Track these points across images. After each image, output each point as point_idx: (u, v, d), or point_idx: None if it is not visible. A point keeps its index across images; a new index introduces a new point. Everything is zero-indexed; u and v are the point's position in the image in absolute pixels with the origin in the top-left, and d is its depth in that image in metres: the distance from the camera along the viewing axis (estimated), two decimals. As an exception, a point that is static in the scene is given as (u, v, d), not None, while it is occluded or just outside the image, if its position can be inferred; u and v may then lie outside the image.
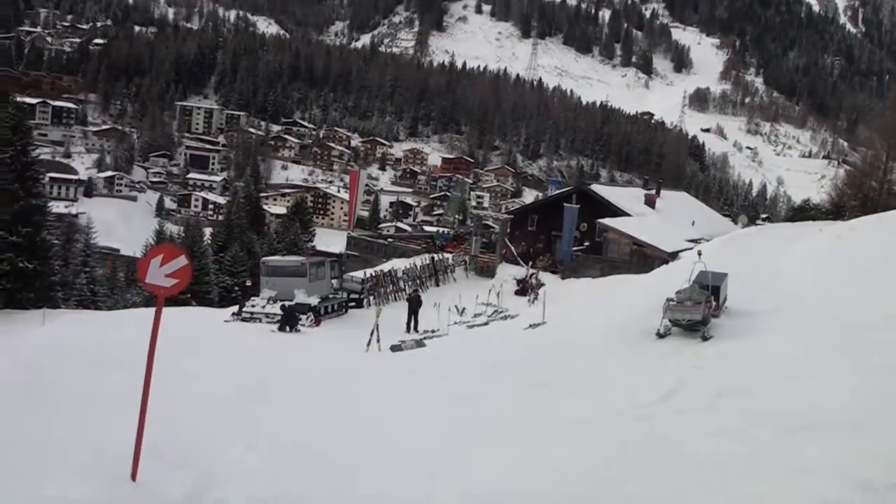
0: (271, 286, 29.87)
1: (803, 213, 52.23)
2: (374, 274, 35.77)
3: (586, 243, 43.18)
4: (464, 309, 31.54)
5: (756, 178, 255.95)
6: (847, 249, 24.09)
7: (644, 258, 36.28)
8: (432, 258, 39.23)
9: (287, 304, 27.44)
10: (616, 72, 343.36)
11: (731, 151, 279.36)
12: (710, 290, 17.73)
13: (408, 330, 28.57)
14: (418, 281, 36.75)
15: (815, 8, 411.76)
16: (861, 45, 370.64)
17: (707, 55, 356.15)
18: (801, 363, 12.44)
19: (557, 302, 30.04)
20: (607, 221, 40.35)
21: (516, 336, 23.59)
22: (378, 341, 23.17)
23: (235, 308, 30.43)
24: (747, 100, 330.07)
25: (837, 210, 47.95)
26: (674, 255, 34.07)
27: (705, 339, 16.23)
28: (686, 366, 14.30)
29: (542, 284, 35.45)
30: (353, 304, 33.03)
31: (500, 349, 21.13)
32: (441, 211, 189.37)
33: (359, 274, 36.18)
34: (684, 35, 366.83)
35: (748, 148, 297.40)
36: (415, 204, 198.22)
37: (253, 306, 28.98)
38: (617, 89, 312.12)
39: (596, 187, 49.88)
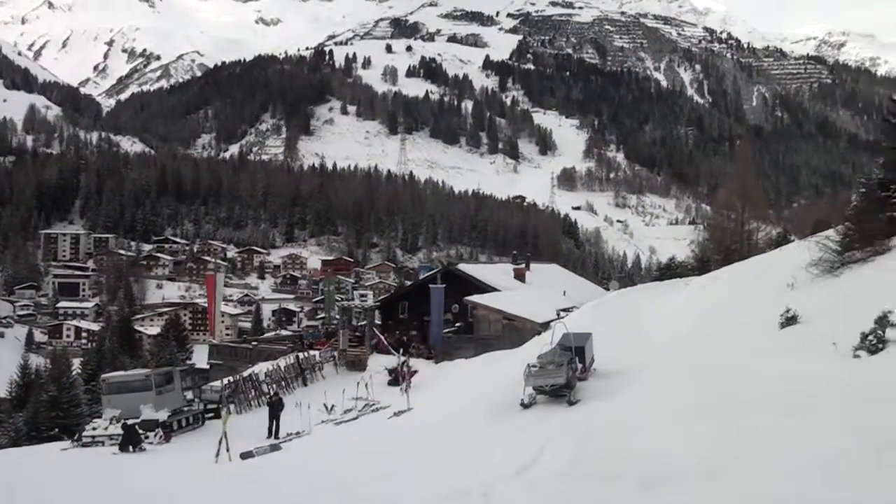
0: (114, 405, 27.30)
1: (670, 270, 52.71)
2: (232, 380, 33.35)
3: (459, 324, 41.98)
4: (332, 406, 29.59)
5: (629, 249, 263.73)
6: (711, 297, 24.19)
7: (516, 331, 35.39)
8: (297, 357, 37.08)
9: (128, 422, 24.94)
10: (484, 159, 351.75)
11: (602, 226, 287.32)
12: (573, 351, 16.82)
13: (269, 435, 26.34)
14: (283, 383, 34.48)
15: (664, 83, 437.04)
16: (710, 115, 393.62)
17: (569, 136, 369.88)
18: (664, 417, 11.64)
19: (429, 387, 28.88)
20: (475, 298, 39.30)
21: (380, 427, 21.93)
22: (227, 450, 21.03)
23: (76, 435, 27.69)
24: (612, 175, 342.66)
25: (702, 265, 48.49)
26: (545, 326, 33.24)
27: (571, 403, 15.17)
28: (549, 433, 13.21)
29: (415, 371, 33.81)
30: (210, 414, 30.58)
31: (359, 442, 19.43)
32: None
33: (218, 383, 33.73)
34: (545, 119, 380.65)
35: (618, 221, 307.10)
36: (298, 309, 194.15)
37: (94, 429, 26.37)
38: (487, 176, 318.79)
39: (463, 266, 49.14)
